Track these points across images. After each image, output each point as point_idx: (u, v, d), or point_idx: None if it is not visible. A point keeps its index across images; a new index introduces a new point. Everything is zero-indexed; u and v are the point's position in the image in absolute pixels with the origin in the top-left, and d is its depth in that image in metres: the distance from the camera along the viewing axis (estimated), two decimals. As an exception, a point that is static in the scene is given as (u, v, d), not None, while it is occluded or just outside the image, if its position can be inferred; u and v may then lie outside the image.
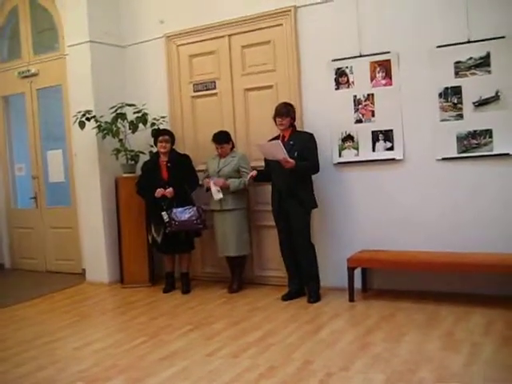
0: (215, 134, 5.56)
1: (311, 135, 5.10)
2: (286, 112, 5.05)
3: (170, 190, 5.56)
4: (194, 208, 5.58)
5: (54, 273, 7.13)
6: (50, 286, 6.42)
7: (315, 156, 5.06)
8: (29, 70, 7.12)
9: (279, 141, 4.93)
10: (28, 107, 7.30)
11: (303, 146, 5.01)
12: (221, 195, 5.42)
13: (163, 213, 5.52)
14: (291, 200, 5.02)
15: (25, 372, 3.74)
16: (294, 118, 5.13)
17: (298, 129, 5.22)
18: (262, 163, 5.35)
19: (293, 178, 4.96)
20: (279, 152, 4.82)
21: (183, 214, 5.54)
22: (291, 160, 4.84)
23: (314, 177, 5.15)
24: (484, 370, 3.31)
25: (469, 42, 4.69)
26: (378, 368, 3.42)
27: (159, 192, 5.57)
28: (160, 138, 5.69)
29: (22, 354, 4.10)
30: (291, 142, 5.00)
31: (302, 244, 5.09)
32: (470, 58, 4.70)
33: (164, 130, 5.86)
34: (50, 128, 7.29)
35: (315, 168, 5.06)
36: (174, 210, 5.51)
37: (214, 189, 5.43)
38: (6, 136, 7.59)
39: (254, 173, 5.21)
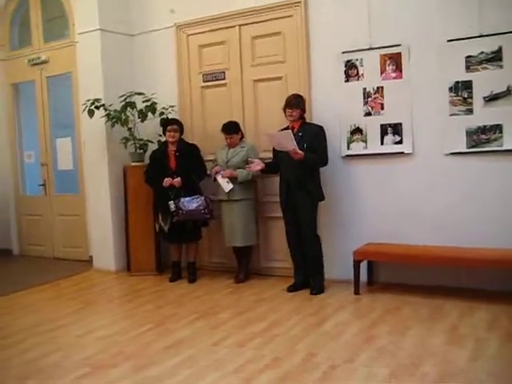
0: (225, 124, 5.56)
1: (321, 127, 5.09)
2: (296, 103, 5.04)
3: (177, 179, 5.58)
4: (202, 198, 5.60)
5: (62, 260, 7.18)
6: (56, 272, 6.46)
7: (324, 149, 5.06)
8: (39, 58, 7.14)
9: (290, 131, 4.92)
10: (38, 95, 7.32)
11: (312, 138, 5.00)
12: (231, 185, 5.43)
13: (170, 202, 5.54)
14: (299, 192, 5.02)
15: (30, 358, 3.77)
16: (304, 110, 5.12)
17: (308, 121, 5.21)
18: (271, 154, 5.35)
19: (301, 169, 4.95)
20: (289, 142, 4.82)
21: (191, 203, 5.55)
22: (300, 151, 4.84)
23: (321, 169, 5.15)
24: (488, 365, 3.31)
25: (480, 36, 4.66)
26: (382, 361, 3.43)
27: (167, 181, 5.58)
28: (169, 128, 5.70)
29: (28, 340, 4.14)
30: (300, 134, 4.99)
31: (309, 236, 5.10)
32: (482, 53, 4.67)
33: (173, 119, 5.87)
34: (60, 116, 7.31)
35: (324, 161, 5.06)
36: (182, 200, 5.53)
37: (222, 181, 5.45)
38: (15, 123, 7.62)
39: (262, 165, 5.21)
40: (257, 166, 5.22)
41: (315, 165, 5.07)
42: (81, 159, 6.85)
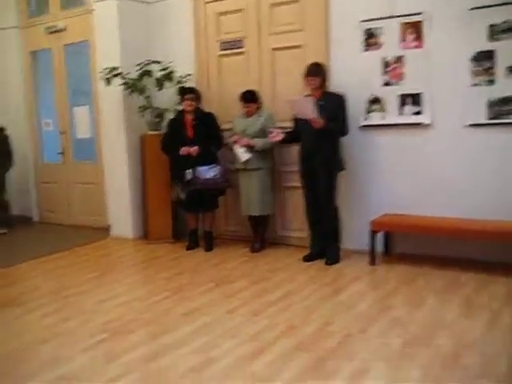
0: (243, 93, 5.52)
1: (342, 97, 5.02)
2: (317, 71, 4.98)
3: (195, 148, 5.58)
4: (219, 167, 5.60)
5: (80, 227, 7.26)
6: (75, 240, 6.55)
7: (345, 118, 5.00)
8: (56, 26, 7.11)
9: (311, 98, 4.87)
10: (55, 63, 7.32)
11: (334, 107, 4.94)
12: (248, 155, 5.42)
13: (187, 171, 5.55)
14: (319, 161, 4.99)
15: (49, 323, 3.86)
16: (324, 79, 5.06)
17: (331, 89, 5.15)
18: (289, 124, 5.30)
19: (321, 138, 4.91)
20: (310, 110, 4.76)
21: (208, 172, 5.57)
22: (321, 120, 4.80)
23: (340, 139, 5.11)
24: (503, 337, 3.32)
25: (504, 4, 4.53)
26: (395, 332, 3.45)
27: (184, 150, 5.59)
28: (186, 96, 5.68)
29: (47, 306, 4.22)
30: (321, 103, 4.93)
31: (327, 205, 5.08)
32: (505, 22, 4.55)
33: (190, 88, 5.84)
34: (77, 84, 7.30)
35: (344, 130, 5.01)
36: (199, 169, 5.54)
37: (239, 151, 5.44)
38: (33, 91, 7.64)
39: (280, 137, 5.16)
40: (277, 136, 5.18)
41: (335, 134, 5.02)
42: (99, 127, 6.87)
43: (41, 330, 3.73)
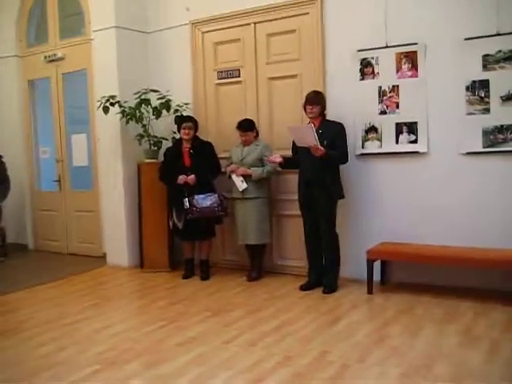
0: (240, 122, 5.56)
1: (341, 125, 5.05)
2: (317, 100, 5.02)
3: (192, 176, 5.58)
4: (216, 195, 5.60)
5: (76, 255, 7.23)
6: (71, 268, 6.50)
7: (345, 146, 5.02)
8: (55, 55, 7.18)
9: (312, 125, 4.89)
10: (53, 91, 7.37)
11: (333, 135, 4.97)
12: (245, 185, 5.44)
13: (185, 199, 5.54)
14: (319, 189, 4.99)
15: (45, 352, 3.80)
16: (324, 107, 5.10)
17: (328, 118, 5.18)
18: (286, 152, 5.32)
19: (321, 166, 4.92)
20: (310, 137, 4.78)
21: (204, 200, 5.56)
22: (321, 148, 4.82)
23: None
24: (503, 368, 3.27)
25: (498, 34, 4.60)
26: (394, 362, 3.41)
27: (181, 179, 5.59)
28: (183, 125, 5.70)
29: (43, 335, 4.17)
30: (321, 131, 4.95)
31: (328, 233, 5.07)
32: (499, 51, 4.61)
33: (187, 116, 5.87)
34: (75, 112, 7.35)
35: (344, 158, 5.03)
36: (196, 197, 5.53)
37: (237, 180, 5.46)
38: (31, 119, 7.68)
39: (279, 159, 5.16)
40: (276, 158, 5.18)
41: (335, 162, 5.04)
42: (95, 155, 6.89)
43: (36, 360, 3.67)
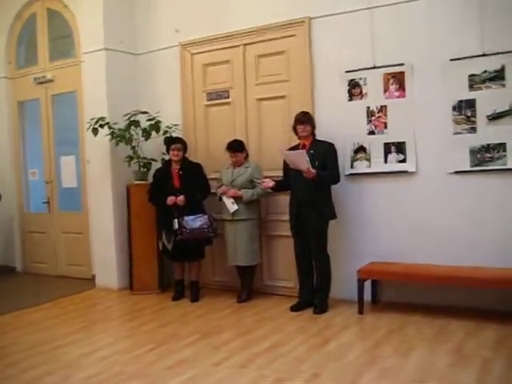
0: (230, 143, 5.57)
1: (332, 145, 5.08)
2: (307, 120, 5.05)
3: (181, 197, 5.57)
4: (205, 216, 5.59)
5: (65, 277, 7.15)
6: (59, 290, 6.44)
7: (336, 166, 5.05)
8: (44, 76, 7.19)
9: (304, 151, 4.90)
10: (43, 113, 7.36)
11: (324, 155, 4.99)
12: (236, 207, 5.44)
13: (174, 220, 5.53)
14: (310, 209, 4.99)
15: (31, 377, 3.75)
16: (314, 127, 5.12)
17: (318, 138, 5.20)
18: (276, 173, 5.35)
19: (313, 188, 4.93)
20: (302, 162, 4.80)
21: (194, 222, 5.54)
22: (313, 170, 4.83)
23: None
24: (494, 387, 3.27)
25: (484, 55, 4.66)
26: (386, 382, 3.39)
27: (171, 200, 5.58)
28: (172, 146, 5.71)
29: (30, 359, 4.11)
30: (312, 151, 4.98)
31: (319, 254, 5.08)
32: (485, 72, 4.67)
33: (176, 137, 5.88)
34: (64, 134, 7.33)
35: (336, 178, 5.05)
36: (185, 218, 5.52)
37: (227, 201, 5.46)
38: (20, 141, 7.65)
39: (271, 183, 5.19)
40: (269, 183, 5.20)
41: (327, 183, 5.05)
42: (85, 177, 6.86)
43: (22, 386, 3.63)
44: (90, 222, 6.75)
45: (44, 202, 7.40)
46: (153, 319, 5.13)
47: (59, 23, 7.09)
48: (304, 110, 5.25)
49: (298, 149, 5.02)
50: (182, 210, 5.56)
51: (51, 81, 7.16)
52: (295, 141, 5.22)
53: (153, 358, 4.04)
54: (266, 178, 5.36)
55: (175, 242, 5.61)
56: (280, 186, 5.26)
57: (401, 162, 5.08)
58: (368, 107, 5.20)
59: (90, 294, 6.31)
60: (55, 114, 7.29)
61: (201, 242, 5.71)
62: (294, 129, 5.11)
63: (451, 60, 4.79)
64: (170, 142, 5.80)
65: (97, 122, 5.98)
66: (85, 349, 4.33)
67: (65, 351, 4.30)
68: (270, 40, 5.67)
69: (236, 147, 5.55)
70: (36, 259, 7.57)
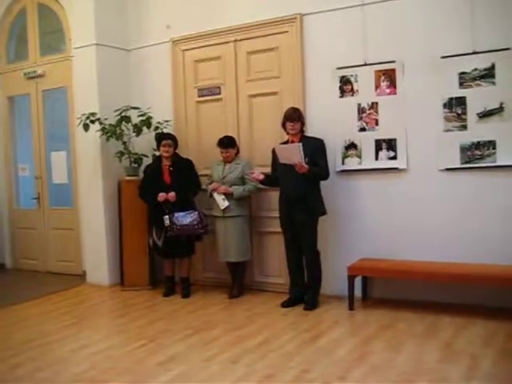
0: (221, 139, 5.56)
1: (321, 141, 5.09)
2: (296, 117, 5.04)
3: (172, 194, 5.57)
4: (196, 212, 5.58)
5: (55, 274, 7.13)
6: (50, 287, 6.42)
7: (326, 162, 5.06)
8: (35, 71, 7.14)
9: (300, 144, 4.85)
10: (33, 108, 7.32)
11: (314, 151, 4.99)
12: (227, 203, 5.43)
13: (165, 217, 5.52)
14: (300, 206, 5.00)
15: (22, 373, 3.74)
16: (303, 123, 5.13)
17: (307, 134, 5.21)
18: (267, 170, 5.35)
19: (303, 184, 4.93)
20: (296, 155, 4.78)
21: (185, 218, 5.54)
22: (305, 165, 4.83)
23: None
24: (483, 382, 3.29)
25: (474, 53, 4.69)
26: (375, 378, 3.41)
27: (162, 196, 5.57)
28: (163, 142, 5.69)
29: (20, 355, 4.10)
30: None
31: (309, 251, 5.09)
32: (475, 69, 4.70)
33: (167, 133, 5.87)
34: (55, 129, 7.30)
35: (326, 174, 5.06)
36: (176, 214, 5.51)
37: (218, 198, 5.46)
38: (10, 136, 7.60)
39: (262, 176, 5.19)
40: (259, 175, 5.20)
41: (318, 178, 5.06)
42: (75, 173, 6.83)
43: (12, 382, 3.60)
44: (81, 218, 6.72)
45: (34, 198, 7.36)
46: (144, 315, 5.12)
47: (50, 18, 7.04)
48: (295, 106, 5.25)
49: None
50: (173, 206, 5.56)
51: (42, 76, 7.12)
52: (286, 137, 5.22)
53: (144, 353, 4.04)
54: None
55: (165, 238, 5.61)
56: (269, 180, 5.26)
57: (391, 158, 5.10)
58: (359, 104, 5.22)
59: (80, 291, 6.29)
60: (46, 109, 7.25)
61: (191, 239, 5.71)
62: (283, 125, 5.11)
63: (442, 57, 4.81)
64: (160, 138, 5.78)
65: (88, 117, 5.96)
66: (75, 345, 4.32)
67: (55, 347, 4.29)
68: (261, 36, 5.66)
69: (227, 143, 5.54)
70: (26, 255, 7.53)
